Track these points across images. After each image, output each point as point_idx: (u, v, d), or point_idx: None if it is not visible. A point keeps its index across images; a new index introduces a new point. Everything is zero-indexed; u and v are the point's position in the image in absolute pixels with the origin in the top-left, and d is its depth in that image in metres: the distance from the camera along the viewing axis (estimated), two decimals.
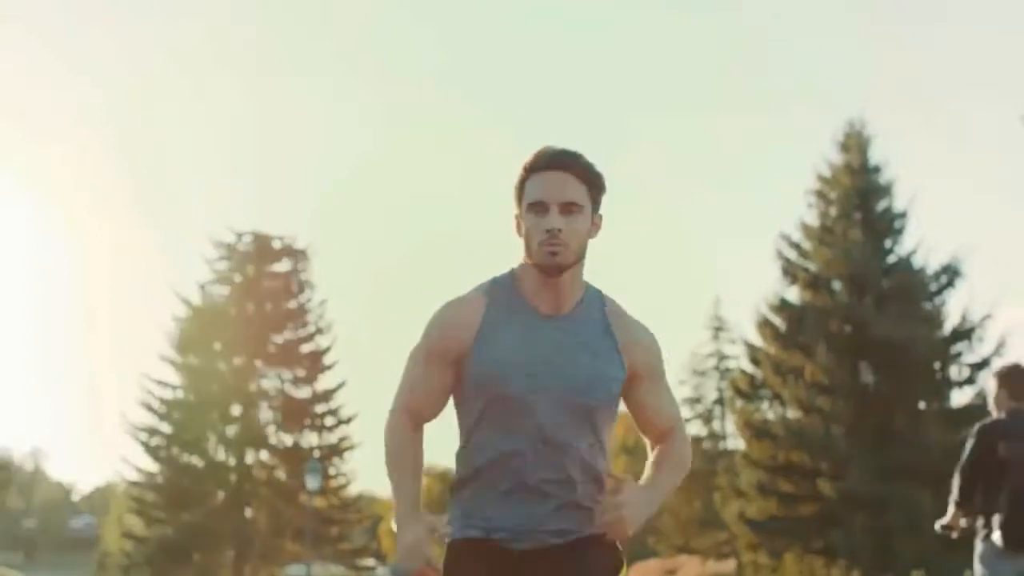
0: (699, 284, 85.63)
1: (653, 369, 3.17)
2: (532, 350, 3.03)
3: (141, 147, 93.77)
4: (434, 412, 3.16)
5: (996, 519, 6.17)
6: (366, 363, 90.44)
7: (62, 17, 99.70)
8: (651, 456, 3.23)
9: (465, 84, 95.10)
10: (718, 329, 43.02)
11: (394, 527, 3.04)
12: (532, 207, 3.04)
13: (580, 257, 3.07)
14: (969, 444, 6.37)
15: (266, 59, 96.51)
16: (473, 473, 3.08)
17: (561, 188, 3.02)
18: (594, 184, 3.08)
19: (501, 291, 3.11)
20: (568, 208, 3.02)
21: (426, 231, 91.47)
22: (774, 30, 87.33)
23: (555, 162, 3.05)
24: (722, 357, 43.08)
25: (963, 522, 6.40)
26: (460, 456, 3.14)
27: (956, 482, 6.37)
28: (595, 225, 3.11)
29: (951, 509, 6.42)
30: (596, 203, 3.10)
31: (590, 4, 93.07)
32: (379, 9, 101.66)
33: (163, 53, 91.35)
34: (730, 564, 37.59)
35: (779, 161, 71.07)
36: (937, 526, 6.53)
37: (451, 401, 3.18)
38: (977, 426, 6.45)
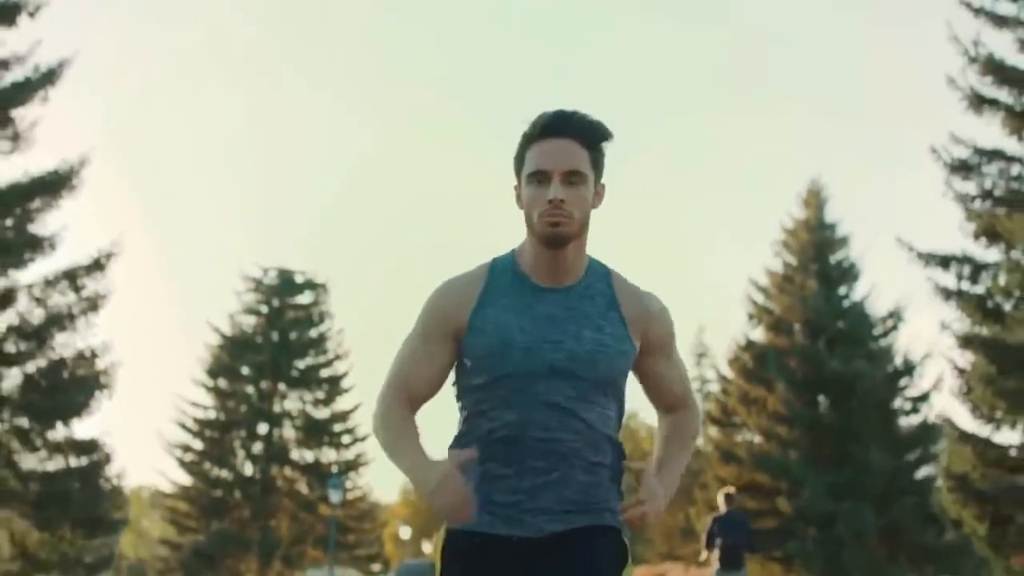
0: (697, 286, 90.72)
1: (665, 341, 3.15)
2: (532, 325, 2.99)
3: (140, 150, 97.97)
4: (429, 392, 3.12)
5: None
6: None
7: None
8: (661, 427, 3.29)
9: (466, 92, 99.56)
10: (701, 355, 48.85)
11: (414, 483, 2.95)
12: (533, 177, 2.99)
13: (583, 228, 3.03)
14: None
15: (264, 66, 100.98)
16: (473, 444, 3.05)
17: (563, 156, 2.97)
18: (598, 151, 3.03)
19: (501, 267, 3.09)
20: (570, 177, 2.97)
21: (437, 256, 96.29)
22: (773, 35, 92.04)
23: (557, 129, 3.00)
24: (704, 381, 48.92)
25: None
26: (459, 436, 3.11)
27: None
28: (598, 195, 3.06)
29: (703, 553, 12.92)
30: (599, 171, 3.05)
31: (589, 10, 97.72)
32: (380, 15, 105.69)
33: (161, 58, 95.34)
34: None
35: (777, 165, 76.35)
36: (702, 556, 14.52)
37: (446, 389, 3.15)
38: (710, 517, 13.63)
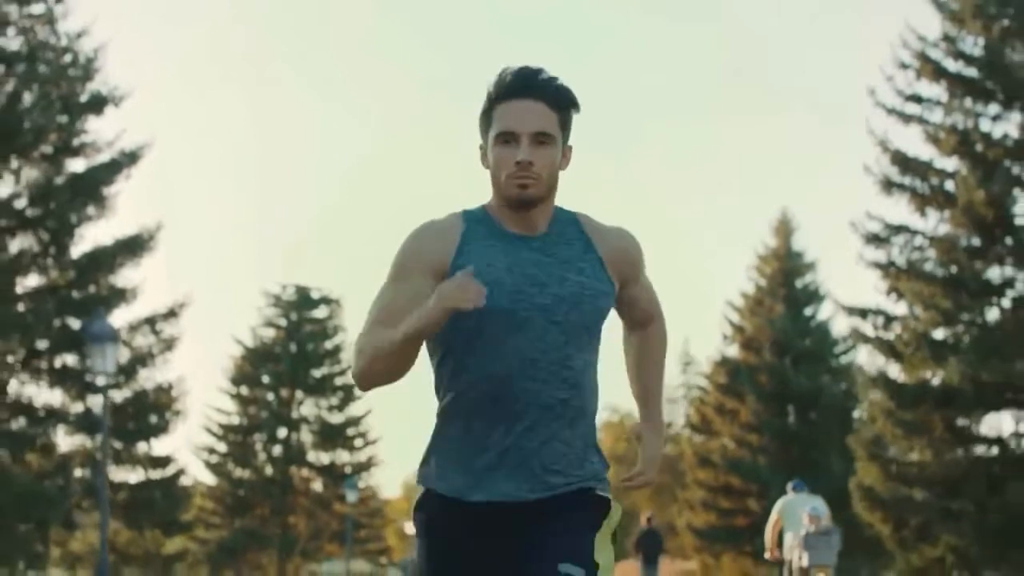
0: (693, 288, 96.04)
1: (639, 271, 3.24)
2: (516, 269, 3.03)
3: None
4: None
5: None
6: (389, 394, 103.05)
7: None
8: (630, 346, 3.38)
9: (463, 93, 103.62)
10: (687, 364, 54.93)
11: (418, 325, 2.87)
12: (500, 137, 3.02)
13: (551, 190, 3.06)
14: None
15: (264, 69, 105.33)
16: (456, 398, 3.06)
17: (532, 117, 3.01)
18: (566, 112, 3.07)
19: (475, 216, 3.11)
20: (539, 139, 3.00)
21: None
22: (772, 37, 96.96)
23: (524, 89, 3.03)
24: (689, 387, 54.96)
25: None
26: (439, 384, 3.11)
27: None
28: (565, 157, 3.09)
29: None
30: (566, 132, 3.08)
31: (588, 11, 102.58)
32: (379, 17, 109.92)
33: (162, 59, 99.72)
34: (692, 563, 49.26)
35: (774, 168, 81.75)
36: None
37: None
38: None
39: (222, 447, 47.71)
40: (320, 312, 49.71)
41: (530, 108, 3.02)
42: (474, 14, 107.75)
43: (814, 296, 42.32)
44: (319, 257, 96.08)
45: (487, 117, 3.08)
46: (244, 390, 48.22)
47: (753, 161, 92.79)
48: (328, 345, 49.39)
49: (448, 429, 3.09)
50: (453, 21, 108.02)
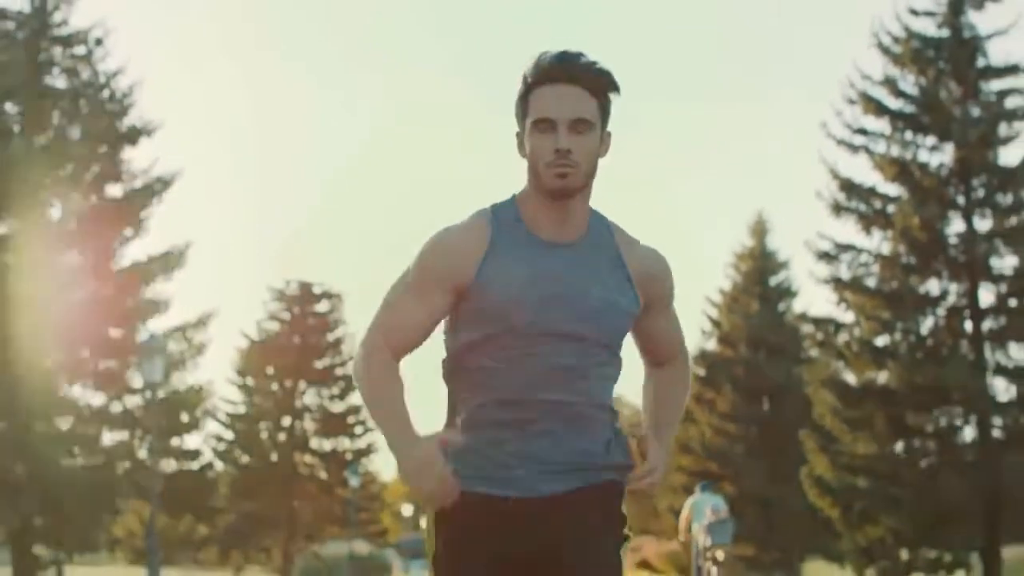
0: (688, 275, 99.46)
1: (666, 300, 3.27)
2: (540, 282, 3.04)
3: None
4: (418, 342, 3.17)
5: None
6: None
7: None
8: (651, 382, 3.39)
9: (458, 77, 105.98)
10: None
11: (393, 454, 2.99)
12: (538, 124, 3.02)
13: (590, 179, 3.07)
14: None
15: (270, 55, 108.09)
16: (475, 409, 3.13)
17: (571, 103, 3.00)
18: (605, 97, 3.07)
19: (504, 218, 3.11)
20: (578, 126, 3.00)
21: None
22: (766, 19, 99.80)
23: (564, 73, 3.01)
24: None
25: None
26: (455, 400, 3.19)
27: None
28: (604, 144, 3.09)
29: None
30: (606, 118, 3.09)
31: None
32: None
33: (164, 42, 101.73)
34: (674, 544, 53.46)
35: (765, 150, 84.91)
36: None
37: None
38: None
39: (229, 435, 50.67)
40: (322, 306, 52.98)
41: (569, 93, 3.01)
42: None
43: (787, 293, 46.58)
44: (320, 251, 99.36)
45: (523, 103, 3.07)
46: (250, 380, 51.34)
47: (733, 168, 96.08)
48: (330, 338, 52.40)
49: (467, 433, 3.12)
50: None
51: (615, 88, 3.10)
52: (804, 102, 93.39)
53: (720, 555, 19.61)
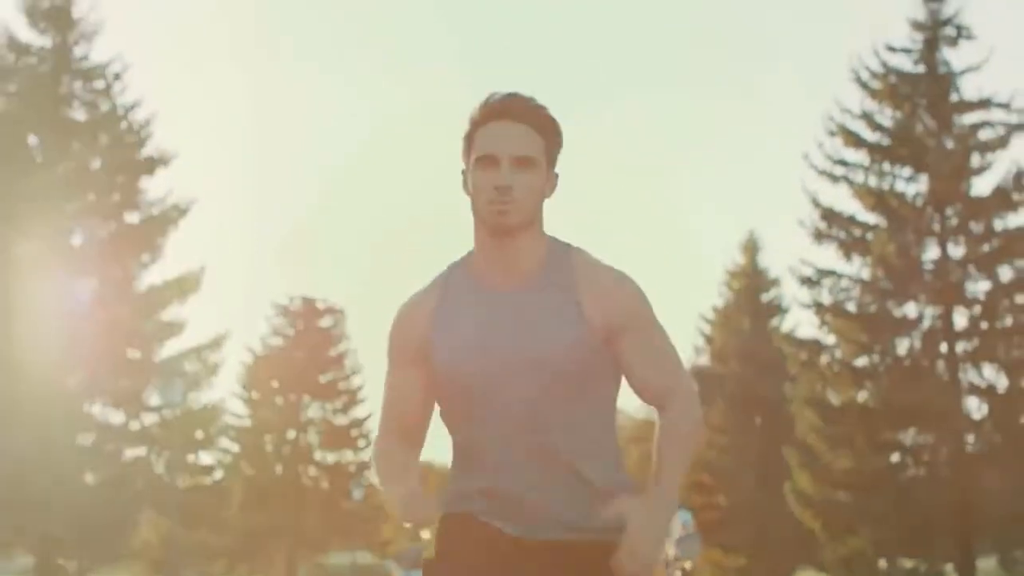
0: (682, 269, 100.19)
1: (629, 321, 3.08)
2: (488, 331, 3.04)
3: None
4: (420, 419, 3.21)
5: None
6: None
7: None
8: (657, 430, 3.14)
9: (451, 75, 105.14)
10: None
11: (387, 495, 3.10)
12: (481, 161, 3.00)
13: (533, 218, 3.03)
14: None
15: (273, 53, 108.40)
16: (457, 464, 3.18)
17: (514, 140, 2.99)
18: (551, 136, 3.04)
19: (455, 275, 3.13)
20: (521, 162, 2.98)
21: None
22: (762, 9, 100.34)
23: (507, 110, 3.01)
24: None
25: None
26: (452, 464, 3.24)
27: None
28: (550, 183, 3.05)
29: None
30: (553, 159, 3.06)
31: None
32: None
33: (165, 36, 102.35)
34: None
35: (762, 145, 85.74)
36: None
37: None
38: None
39: (235, 448, 52.01)
40: (325, 321, 54.64)
41: (513, 130, 3.00)
42: None
43: (778, 310, 48.58)
44: (324, 267, 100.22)
45: (469, 141, 3.06)
46: (255, 395, 52.65)
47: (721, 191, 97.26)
48: (333, 352, 54.17)
49: (455, 480, 3.21)
50: None
51: (559, 140, 3.10)
52: (788, 137, 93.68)
53: (688, 566, 21.50)
